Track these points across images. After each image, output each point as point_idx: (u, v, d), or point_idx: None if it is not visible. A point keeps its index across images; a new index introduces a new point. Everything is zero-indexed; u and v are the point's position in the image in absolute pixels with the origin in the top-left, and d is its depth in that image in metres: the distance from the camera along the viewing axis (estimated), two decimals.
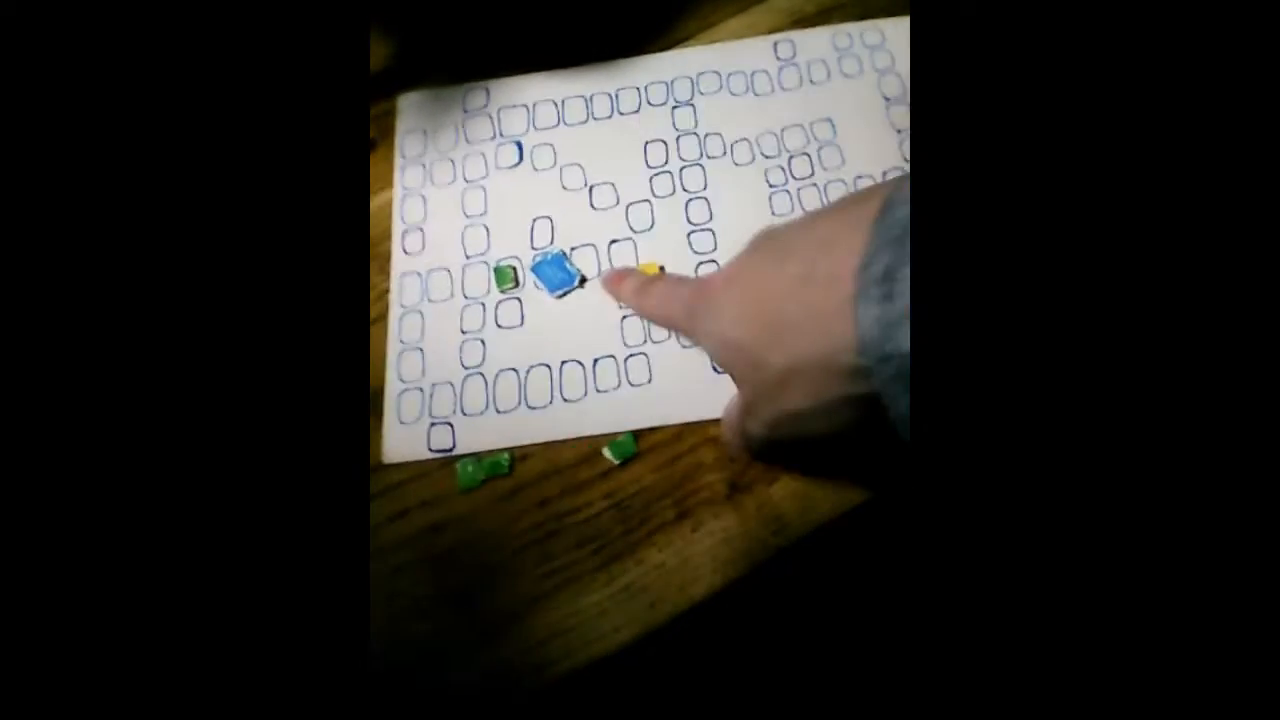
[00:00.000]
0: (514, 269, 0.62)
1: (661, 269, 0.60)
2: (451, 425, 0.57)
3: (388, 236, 0.65)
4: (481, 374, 0.59)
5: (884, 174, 0.63)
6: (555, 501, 0.54)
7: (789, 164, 0.64)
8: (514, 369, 0.59)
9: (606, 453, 0.55)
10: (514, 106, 0.69)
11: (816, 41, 0.68)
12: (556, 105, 0.69)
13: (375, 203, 0.66)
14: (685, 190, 0.63)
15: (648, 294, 0.55)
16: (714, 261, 0.60)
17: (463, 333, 0.60)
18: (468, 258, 0.63)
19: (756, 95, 0.66)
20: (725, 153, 0.64)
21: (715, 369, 0.57)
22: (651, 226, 0.62)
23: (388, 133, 0.69)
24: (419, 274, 0.63)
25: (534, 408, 0.57)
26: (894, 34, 0.68)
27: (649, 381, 0.57)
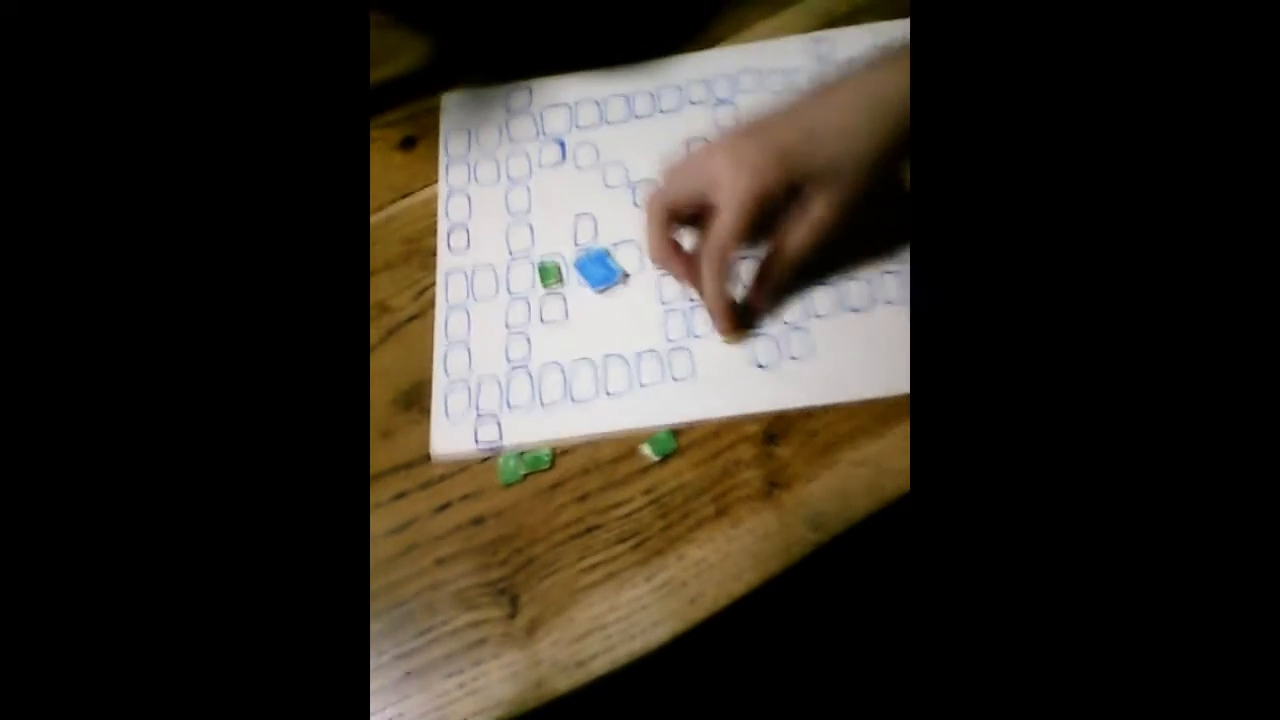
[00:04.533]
0: (558, 266, 0.62)
1: None
2: (498, 419, 0.58)
3: (431, 232, 0.66)
4: (527, 369, 0.59)
5: None
6: (595, 496, 0.55)
7: None
8: (558, 364, 0.59)
9: (645, 449, 0.55)
10: (556, 105, 0.70)
11: (856, 39, 0.68)
12: (598, 104, 0.69)
13: (418, 199, 0.68)
14: None
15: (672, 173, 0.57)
16: (756, 257, 0.59)
17: (507, 329, 0.61)
18: (512, 255, 0.64)
19: (797, 93, 0.65)
20: None
21: (758, 362, 0.57)
22: None
23: (431, 130, 0.70)
24: (464, 272, 0.64)
25: (578, 401, 0.58)
26: None
27: (692, 375, 0.58)
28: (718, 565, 0.52)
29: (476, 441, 0.57)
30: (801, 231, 0.55)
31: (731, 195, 0.52)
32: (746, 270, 0.59)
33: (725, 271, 0.56)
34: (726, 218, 0.53)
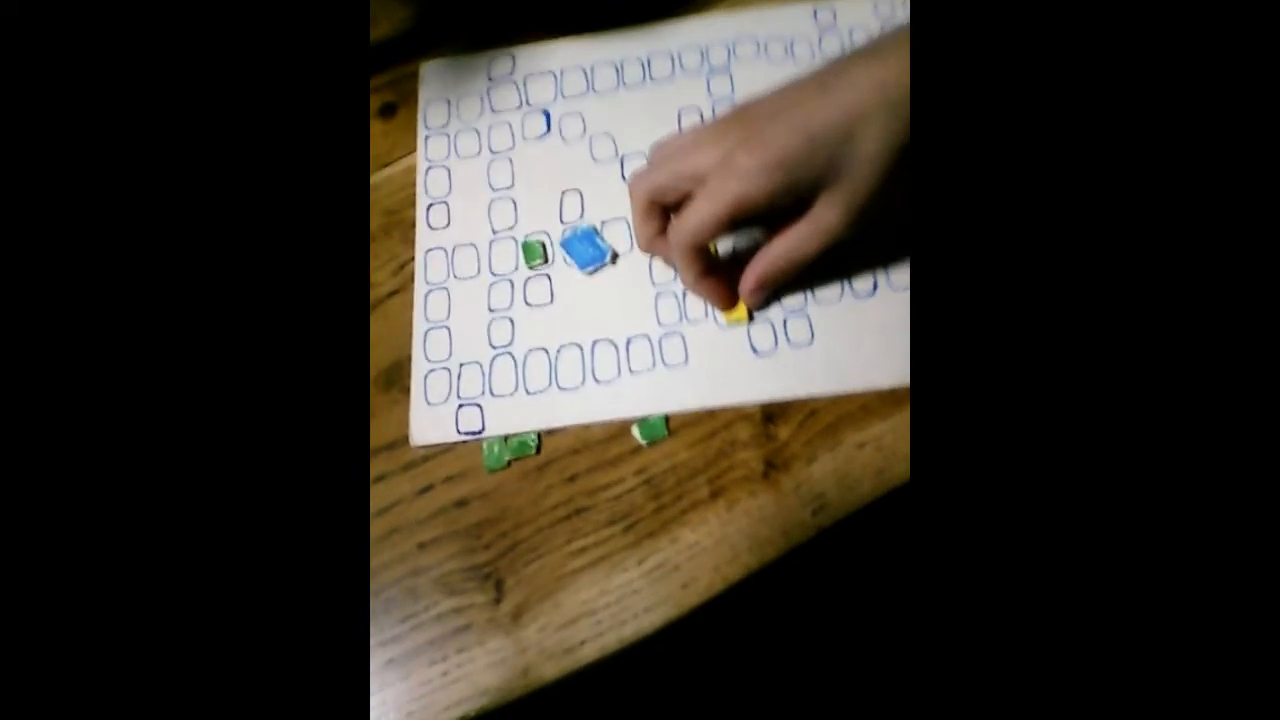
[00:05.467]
0: (543, 244, 0.65)
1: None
2: (480, 407, 0.60)
3: (410, 204, 0.68)
4: (510, 354, 0.62)
5: None
6: (585, 477, 0.57)
7: None
8: (544, 349, 0.61)
9: (635, 434, 0.58)
10: (541, 73, 0.72)
11: (858, 8, 0.70)
12: (585, 72, 0.71)
13: (399, 169, 0.70)
14: None
15: (664, 160, 0.59)
16: (750, 235, 0.62)
17: (490, 311, 0.63)
18: (495, 233, 0.66)
19: (796, 62, 0.68)
20: None
21: (754, 349, 0.59)
22: None
23: (410, 97, 0.73)
24: (444, 250, 0.66)
25: (565, 389, 0.60)
26: None
27: (685, 362, 0.60)
28: (712, 549, 0.54)
29: (458, 430, 0.59)
30: (805, 236, 0.56)
31: (715, 190, 0.54)
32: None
33: (699, 260, 0.58)
34: (702, 210, 0.54)
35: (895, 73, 0.52)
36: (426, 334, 0.63)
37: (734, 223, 0.55)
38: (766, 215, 0.56)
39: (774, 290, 0.60)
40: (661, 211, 0.59)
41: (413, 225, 0.67)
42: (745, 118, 0.56)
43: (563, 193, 0.67)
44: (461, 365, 0.62)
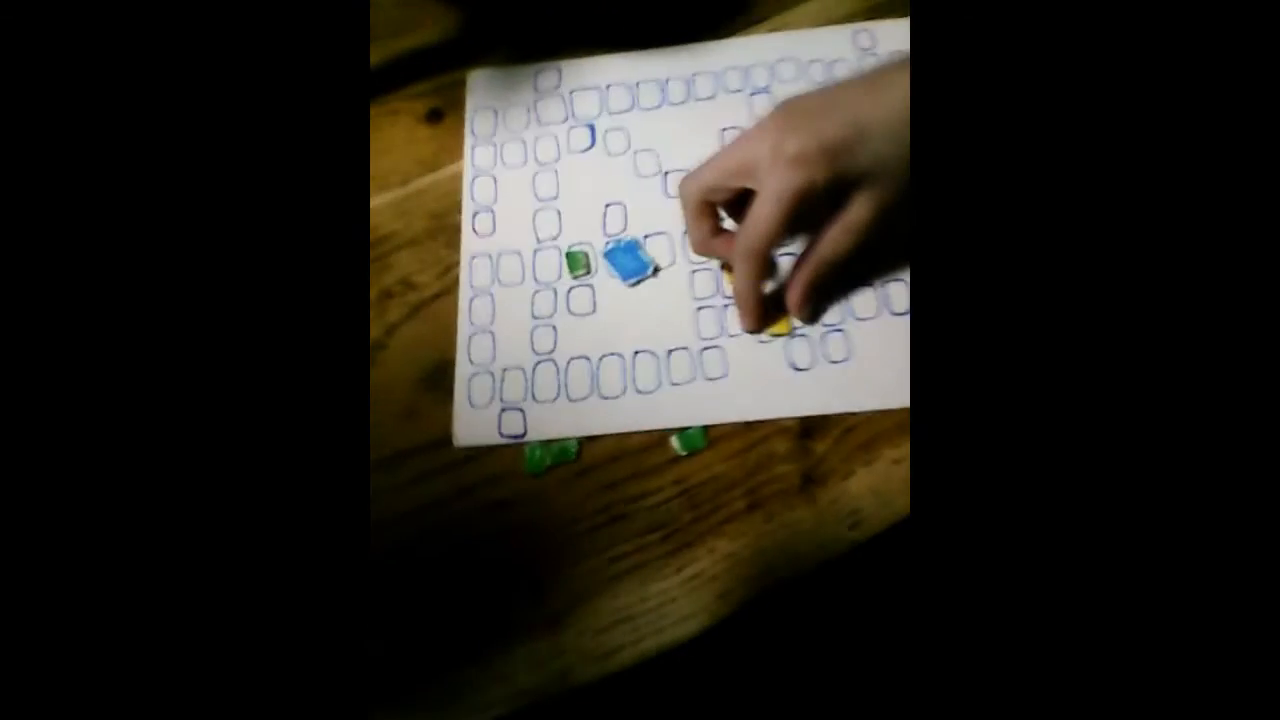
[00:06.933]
0: (586, 255, 0.66)
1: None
2: (523, 411, 0.62)
3: (457, 209, 0.70)
4: (553, 361, 0.63)
5: None
6: (623, 485, 0.58)
7: None
8: (586, 357, 0.63)
9: (674, 444, 0.59)
10: (587, 88, 0.74)
11: (896, 33, 0.72)
12: (630, 89, 0.73)
13: (445, 174, 0.72)
14: None
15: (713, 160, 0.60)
16: (789, 253, 0.63)
17: (534, 318, 0.65)
18: (539, 242, 0.68)
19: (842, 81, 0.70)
20: None
21: (793, 364, 0.61)
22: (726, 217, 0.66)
23: (455, 103, 0.75)
24: (489, 256, 0.68)
25: (606, 397, 0.61)
26: None
27: (724, 375, 0.61)
28: (749, 560, 0.55)
29: (501, 433, 0.61)
30: (838, 233, 0.57)
31: (773, 190, 0.55)
32: (785, 264, 0.63)
33: (760, 268, 0.59)
34: (764, 212, 0.55)
35: None
36: (471, 338, 0.65)
37: (795, 219, 0.55)
38: (809, 216, 0.57)
39: (815, 297, 0.61)
40: (713, 211, 0.61)
41: (457, 230, 0.69)
42: (791, 110, 0.57)
43: (606, 205, 0.68)
44: (505, 370, 0.63)
